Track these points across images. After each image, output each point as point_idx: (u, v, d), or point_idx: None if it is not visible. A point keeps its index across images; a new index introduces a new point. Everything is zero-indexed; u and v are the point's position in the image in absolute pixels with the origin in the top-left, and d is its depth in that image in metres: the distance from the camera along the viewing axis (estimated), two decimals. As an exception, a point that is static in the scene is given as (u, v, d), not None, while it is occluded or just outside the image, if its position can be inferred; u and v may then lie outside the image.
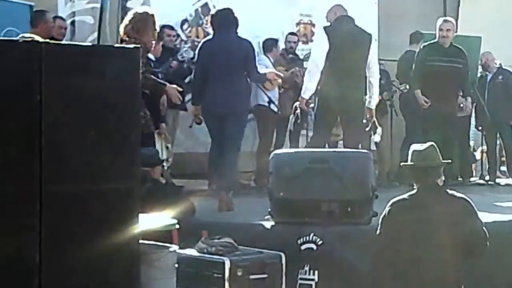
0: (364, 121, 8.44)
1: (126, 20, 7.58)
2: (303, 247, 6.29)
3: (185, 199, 7.13)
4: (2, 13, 8.74)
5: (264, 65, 9.59)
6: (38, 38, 7.00)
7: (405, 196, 5.42)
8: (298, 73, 10.26)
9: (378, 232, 5.42)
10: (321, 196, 6.52)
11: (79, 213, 4.78)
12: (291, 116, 8.99)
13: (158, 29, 7.72)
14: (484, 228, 5.32)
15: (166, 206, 6.15)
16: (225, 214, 7.66)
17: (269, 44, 10.38)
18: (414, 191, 5.41)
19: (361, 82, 8.30)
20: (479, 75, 11.65)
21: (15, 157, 4.58)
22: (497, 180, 11.49)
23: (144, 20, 7.51)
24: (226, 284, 5.83)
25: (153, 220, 5.57)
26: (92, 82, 4.87)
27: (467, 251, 5.28)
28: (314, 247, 6.24)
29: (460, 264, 5.28)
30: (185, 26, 10.44)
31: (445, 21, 9.75)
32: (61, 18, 9.37)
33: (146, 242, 5.37)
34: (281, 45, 10.73)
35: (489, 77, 11.47)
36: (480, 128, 11.69)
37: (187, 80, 9.24)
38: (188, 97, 9.00)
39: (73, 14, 9.60)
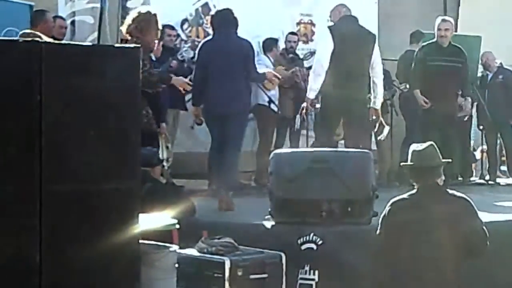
0: (371, 121, 8.44)
1: (129, 20, 7.60)
2: (303, 247, 6.28)
3: (185, 199, 7.13)
4: (2, 13, 8.74)
5: (264, 65, 9.59)
6: (39, 33, 7.04)
7: (405, 196, 5.42)
8: (298, 73, 10.25)
9: (378, 232, 5.42)
10: (322, 196, 6.52)
11: (79, 213, 4.78)
12: (297, 116, 8.98)
13: (160, 28, 7.75)
14: (484, 227, 5.32)
15: (166, 206, 6.15)
16: (225, 214, 7.66)
17: (269, 44, 10.38)
18: (414, 191, 5.41)
19: (364, 82, 8.29)
20: (480, 74, 11.64)
21: (15, 157, 4.58)
22: (497, 180, 11.49)
23: (147, 20, 7.54)
24: (226, 284, 5.83)
25: (153, 220, 5.57)
26: (92, 82, 4.87)
27: (467, 251, 5.28)
28: (314, 247, 6.23)
29: (460, 263, 5.28)
30: (185, 26, 10.44)
31: (443, 20, 9.74)
32: (61, 17, 9.37)
33: (146, 242, 5.37)
34: (281, 44, 10.73)
35: (489, 77, 11.47)
36: (481, 127, 11.69)
37: (187, 80, 9.22)
38: (188, 96, 9.00)
39: (73, 14, 9.61)
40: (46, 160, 4.68)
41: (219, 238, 6.14)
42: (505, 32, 13.38)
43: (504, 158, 11.95)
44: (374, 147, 10.04)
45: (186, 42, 10.37)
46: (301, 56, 11.02)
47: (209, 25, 8.76)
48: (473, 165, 12.37)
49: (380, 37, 10.85)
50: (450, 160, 5.85)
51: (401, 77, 10.70)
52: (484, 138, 11.73)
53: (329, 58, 8.13)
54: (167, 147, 8.49)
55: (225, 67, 8.12)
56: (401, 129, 10.84)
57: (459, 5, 12.84)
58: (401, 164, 5.65)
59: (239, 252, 6.07)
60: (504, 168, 12.05)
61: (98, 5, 9.24)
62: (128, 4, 9.77)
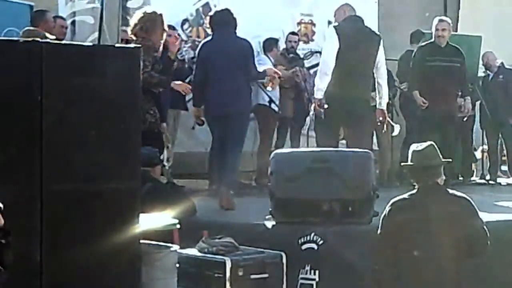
0: (377, 122, 8.44)
1: (135, 20, 7.63)
2: (304, 246, 6.28)
3: (186, 199, 7.13)
4: (3, 13, 8.74)
5: (265, 65, 9.58)
6: (42, 31, 7.05)
7: (405, 195, 5.42)
8: (298, 73, 10.25)
9: (378, 232, 5.42)
10: (322, 196, 6.52)
11: (80, 213, 4.79)
12: (308, 118, 8.97)
13: (166, 29, 7.77)
14: (484, 227, 5.31)
15: (167, 206, 6.16)
16: (225, 214, 7.66)
17: (270, 44, 10.38)
18: (415, 190, 5.40)
19: (368, 82, 8.27)
20: (482, 74, 11.64)
21: (15, 157, 4.59)
22: (498, 180, 11.48)
23: (152, 20, 7.57)
24: (227, 284, 5.83)
25: (154, 220, 5.57)
26: (93, 82, 4.88)
27: (467, 251, 5.27)
28: (315, 246, 6.23)
29: (461, 263, 5.28)
30: (185, 26, 10.44)
31: (440, 20, 9.73)
32: (61, 17, 9.37)
33: (147, 242, 5.38)
34: (282, 44, 10.72)
35: (490, 77, 11.46)
36: (482, 127, 11.69)
37: (187, 80, 9.22)
38: (189, 97, 9.00)
39: (74, 14, 9.60)
40: (47, 160, 4.69)
41: (219, 238, 6.14)
42: (505, 32, 13.37)
43: (504, 158, 11.94)
44: (374, 147, 10.03)
45: (186, 42, 10.36)
46: (302, 56, 11.01)
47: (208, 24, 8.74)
48: (474, 165, 12.36)
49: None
50: (450, 159, 5.85)
51: (402, 77, 10.69)
52: (485, 138, 11.72)
53: (335, 57, 8.09)
54: (167, 147, 8.50)
55: (225, 67, 8.12)
56: (401, 129, 10.82)
57: (459, 5, 12.84)
58: (401, 164, 5.64)
59: (240, 252, 6.07)
60: (504, 168, 12.05)
61: (99, 5, 9.25)
62: (128, 4, 9.77)
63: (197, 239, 6.20)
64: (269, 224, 6.65)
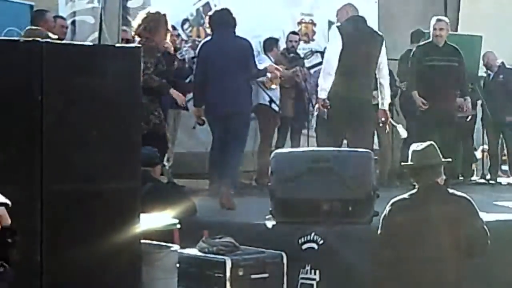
0: (379, 123, 8.43)
1: (139, 20, 7.64)
2: (304, 246, 6.28)
3: (186, 198, 7.13)
4: (3, 13, 8.74)
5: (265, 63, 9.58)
6: (45, 31, 7.05)
7: (405, 195, 5.42)
8: (299, 73, 10.25)
9: (379, 232, 5.42)
10: (322, 196, 6.52)
11: (80, 213, 4.78)
12: (313, 119, 8.97)
13: (170, 29, 7.79)
14: (485, 227, 5.31)
15: (167, 206, 6.16)
16: (226, 214, 7.66)
17: (270, 44, 10.38)
18: (415, 190, 5.41)
19: (370, 82, 8.26)
20: (483, 74, 11.64)
21: (15, 157, 4.59)
22: (499, 179, 11.48)
23: (156, 20, 7.59)
24: (227, 283, 5.82)
25: (154, 220, 5.57)
26: (93, 81, 4.88)
27: (468, 250, 5.28)
28: (315, 246, 6.23)
29: (461, 263, 5.28)
30: (185, 26, 10.44)
31: (438, 20, 9.72)
32: (62, 17, 9.37)
33: (147, 242, 5.38)
34: (282, 44, 10.72)
35: (491, 77, 11.47)
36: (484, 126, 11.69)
37: (187, 80, 9.23)
38: (189, 97, 9.00)
39: (74, 14, 9.60)
40: (47, 160, 4.69)
41: (220, 238, 6.13)
42: (505, 31, 13.37)
43: (505, 158, 11.94)
44: (375, 146, 10.03)
45: (186, 42, 10.36)
46: (302, 56, 11.01)
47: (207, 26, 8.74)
48: (474, 164, 12.37)
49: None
50: (450, 159, 5.84)
51: (402, 76, 10.69)
52: (486, 138, 11.72)
53: (338, 57, 8.08)
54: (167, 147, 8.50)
55: (225, 67, 8.13)
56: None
57: (459, 5, 12.84)
58: (402, 163, 5.64)
59: (240, 252, 6.06)
60: (505, 167, 12.05)
61: (99, 5, 9.24)
62: (129, 4, 9.77)
63: (197, 239, 6.20)
64: (270, 224, 6.65)
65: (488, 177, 11.52)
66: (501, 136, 11.51)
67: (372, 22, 10.56)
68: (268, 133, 10.11)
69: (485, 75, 11.64)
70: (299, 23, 11.46)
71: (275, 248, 6.19)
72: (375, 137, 9.66)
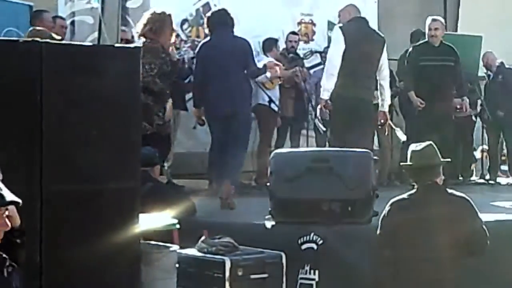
0: (379, 124, 8.43)
1: (144, 21, 7.65)
2: (303, 246, 6.28)
3: (186, 199, 7.14)
4: (2, 13, 8.75)
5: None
6: (48, 31, 7.06)
7: (404, 195, 5.42)
8: (298, 73, 10.24)
9: (378, 232, 5.42)
10: (322, 196, 6.52)
11: (80, 213, 4.79)
12: (316, 121, 8.96)
13: (175, 28, 7.81)
14: (484, 226, 5.32)
15: (166, 206, 6.16)
16: (225, 214, 7.66)
17: (269, 44, 10.37)
18: (414, 190, 5.41)
19: (371, 84, 8.26)
20: (483, 74, 11.65)
21: (15, 157, 4.59)
22: (498, 179, 11.48)
23: (161, 21, 7.60)
24: (227, 284, 5.82)
25: (153, 220, 5.57)
26: (93, 82, 4.88)
27: (467, 250, 5.28)
28: (315, 246, 6.23)
29: (460, 263, 5.28)
30: (185, 26, 10.44)
31: (433, 20, 9.72)
32: (61, 18, 9.37)
33: (146, 242, 5.38)
34: (282, 44, 10.72)
35: (491, 77, 11.47)
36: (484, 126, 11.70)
37: (187, 80, 9.23)
38: (188, 97, 9.00)
39: (73, 14, 9.59)
40: (47, 160, 4.69)
41: (219, 238, 6.13)
42: (505, 31, 13.36)
43: (504, 158, 11.94)
44: (375, 146, 10.03)
45: (186, 42, 10.36)
46: (302, 56, 11.01)
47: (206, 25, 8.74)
48: (473, 165, 12.37)
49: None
50: (449, 159, 5.85)
51: (401, 76, 10.69)
52: (486, 138, 11.72)
53: (341, 58, 8.07)
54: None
55: (225, 67, 8.13)
56: (401, 128, 10.81)
57: (459, 5, 12.83)
58: (401, 163, 5.64)
59: (239, 252, 6.06)
60: (504, 167, 12.05)
61: (98, 5, 9.24)
62: (128, 4, 9.77)
63: (196, 239, 6.20)
64: (269, 224, 6.65)
65: (487, 177, 11.52)
66: (502, 136, 11.51)
67: (372, 22, 10.56)
68: (267, 133, 10.11)
69: (485, 75, 11.64)
70: (299, 23, 11.46)
71: (275, 248, 6.19)
72: (375, 137, 9.66)
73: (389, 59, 9.18)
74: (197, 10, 10.54)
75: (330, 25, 11.26)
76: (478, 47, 11.47)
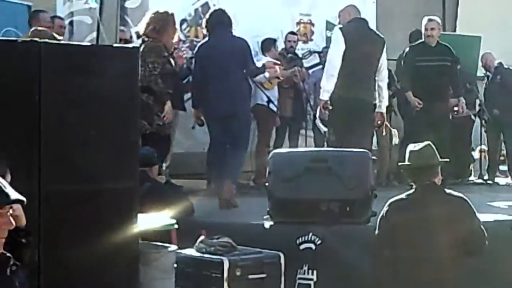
0: (376, 125, 8.43)
1: (147, 20, 7.66)
2: (302, 247, 6.29)
3: (184, 199, 7.14)
4: (1, 13, 8.76)
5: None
6: (48, 31, 7.06)
7: (403, 196, 5.42)
8: (297, 73, 10.24)
9: (376, 232, 5.42)
10: (320, 196, 6.52)
11: (78, 213, 4.79)
12: (316, 122, 8.97)
13: (178, 27, 7.82)
14: (482, 227, 5.32)
15: (165, 206, 6.16)
16: (224, 214, 7.66)
17: (268, 44, 10.37)
18: (412, 190, 5.41)
19: (371, 85, 8.25)
20: (482, 74, 11.65)
21: (14, 157, 4.58)
22: (496, 180, 11.49)
23: (165, 20, 7.62)
24: (225, 284, 5.83)
25: (152, 220, 5.57)
26: (91, 81, 4.88)
27: (465, 250, 5.28)
28: (313, 246, 6.24)
29: (458, 263, 5.28)
30: (183, 26, 10.43)
31: (429, 20, 9.71)
32: (60, 18, 9.37)
33: (145, 242, 5.38)
34: (281, 44, 10.72)
35: (490, 77, 11.48)
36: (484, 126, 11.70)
37: (185, 80, 9.22)
38: (186, 97, 9.00)
39: (71, 14, 9.60)
40: (45, 160, 4.69)
41: (217, 238, 6.14)
42: (503, 31, 13.37)
43: (502, 158, 11.94)
44: (373, 146, 10.02)
45: (184, 42, 10.36)
46: (300, 56, 11.01)
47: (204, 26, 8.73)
48: (471, 165, 12.37)
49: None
50: (447, 159, 5.85)
51: (399, 76, 10.69)
52: (486, 138, 11.72)
53: (341, 59, 8.07)
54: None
55: (225, 67, 8.12)
56: (399, 128, 10.82)
57: (457, 5, 12.83)
58: (399, 164, 5.64)
59: (238, 252, 6.07)
60: (502, 168, 12.05)
61: (96, 5, 9.24)
62: (126, 4, 9.77)
63: (195, 239, 6.20)
64: (267, 224, 6.65)
65: (486, 177, 11.52)
66: (502, 136, 11.51)
67: (370, 22, 10.57)
68: (266, 133, 10.11)
69: (484, 75, 11.65)
70: (298, 23, 11.46)
71: (273, 248, 6.19)
72: (374, 137, 9.67)
73: (387, 59, 9.19)
74: (196, 10, 10.54)
75: (329, 25, 11.27)
76: (477, 47, 11.48)
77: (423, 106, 9.36)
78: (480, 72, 11.71)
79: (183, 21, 10.42)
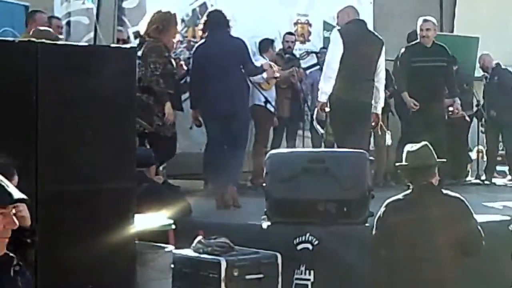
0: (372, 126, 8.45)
1: (149, 20, 7.65)
2: (299, 247, 6.29)
3: (181, 199, 7.14)
4: (-2, 14, 8.77)
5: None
6: (52, 32, 7.07)
7: (400, 196, 5.43)
8: (294, 74, 10.25)
9: (373, 232, 5.42)
10: (317, 196, 6.52)
11: (75, 213, 4.79)
12: (314, 122, 8.97)
13: (179, 28, 7.84)
14: (479, 227, 5.32)
15: (162, 206, 6.16)
16: (221, 215, 7.66)
17: (265, 45, 10.36)
18: (409, 191, 5.41)
19: (370, 86, 8.25)
20: (479, 75, 11.66)
21: (11, 157, 4.57)
22: (493, 180, 11.50)
23: (168, 20, 7.65)
24: (222, 284, 5.82)
25: (149, 220, 5.57)
26: (88, 82, 4.88)
27: (462, 251, 5.28)
28: (310, 247, 6.24)
29: (456, 263, 5.28)
30: (181, 26, 10.43)
31: (424, 20, 9.71)
32: (58, 18, 9.37)
33: (142, 242, 5.38)
34: (278, 45, 10.72)
35: (487, 78, 11.49)
36: (482, 125, 11.72)
37: (183, 80, 9.22)
38: (184, 97, 9.00)
39: (69, 14, 9.60)
40: (42, 160, 4.69)
41: (215, 238, 6.13)
42: (501, 31, 13.39)
43: (499, 158, 11.95)
44: (370, 147, 10.03)
45: (182, 42, 10.35)
46: (298, 56, 11.01)
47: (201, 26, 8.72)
48: (469, 165, 12.38)
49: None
50: (444, 160, 5.85)
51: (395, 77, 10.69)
52: (485, 139, 11.73)
53: (339, 61, 8.06)
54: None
55: (224, 67, 8.12)
56: (397, 128, 10.83)
57: (455, 5, 12.84)
58: (396, 164, 5.65)
59: (235, 252, 6.07)
60: (499, 168, 12.06)
61: (93, 5, 9.24)
62: (124, 5, 9.76)
63: (192, 239, 6.20)
64: (265, 224, 6.65)
65: (483, 177, 11.53)
66: (500, 137, 11.52)
67: (367, 22, 10.58)
68: (263, 134, 10.11)
69: (480, 76, 11.66)
70: (295, 23, 11.45)
71: (270, 248, 6.19)
72: (371, 137, 9.67)
73: (385, 60, 9.20)
74: (194, 10, 10.53)
75: (326, 26, 11.26)
76: (475, 48, 11.50)
77: (419, 107, 9.36)
78: (478, 72, 11.72)
79: (180, 21, 10.41)
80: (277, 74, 9.04)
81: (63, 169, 4.78)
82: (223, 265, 5.85)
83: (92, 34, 9.07)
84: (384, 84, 8.55)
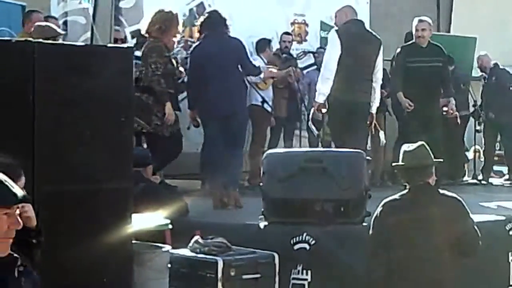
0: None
1: (150, 19, 7.65)
2: (296, 247, 6.29)
3: (178, 199, 7.14)
4: (-5, 14, 8.76)
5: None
6: (53, 26, 7.06)
7: (396, 196, 5.43)
8: (292, 73, 10.25)
9: (370, 232, 5.43)
10: (314, 196, 6.52)
11: (72, 213, 4.79)
12: (309, 124, 9.00)
13: (180, 29, 7.85)
14: (475, 227, 5.33)
15: (159, 206, 6.16)
16: (218, 214, 7.66)
17: (262, 45, 10.37)
18: (406, 191, 5.41)
19: (368, 86, 8.26)
20: (477, 75, 11.67)
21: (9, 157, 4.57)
22: (490, 180, 11.51)
23: (170, 20, 7.66)
24: (219, 284, 5.82)
25: (146, 220, 5.57)
26: (85, 82, 4.88)
27: (459, 251, 5.29)
28: (307, 247, 6.24)
29: (453, 263, 5.29)
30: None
31: (420, 21, 9.71)
32: (54, 18, 9.36)
33: (139, 242, 5.38)
34: (275, 45, 10.73)
35: (485, 78, 11.50)
36: (479, 127, 11.73)
37: (180, 80, 9.22)
38: (181, 97, 9.00)
39: (66, 14, 9.59)
40: (39, 160, 4.69)
41: (212, 238, 6.13)
42: (498, 31, 13.39)
43: (496, 158, 11.96)
44: (367, 146, 10.03)
45: (179, 42, 10.35)
46: (295, 56, 11.02)
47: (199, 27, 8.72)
48: (465, 165, 12.39)
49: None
50: (441, 160, 5.86)
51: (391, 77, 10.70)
52: (482, 138, 11.74)
53: (337, 61, 8.06)
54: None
55: (223, 67, 8.11)
56: (394, 128, 10.84)
57: (452, 5, 12.85)
58: (393, 164, 5.65)
59: (232, 252, 6.07)
60: (496, 168, 12.07)
61: (89, 5, 9.24)
62: (121, 4, 9.76)
63: (189, 239, 6.20)
64: (262, 224, 6.65)
65: (480, 177, 11.54)
66: (499, 137, 11.53)
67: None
68: (261, 134, 10.12)
69: (479, 76, 11.67)
70: (292, 23, 11.46)
71: (267, 248, 6.19)
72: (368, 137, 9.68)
73: (383, 60, 9.21)
74: (191, 10, 10.54)
75: (323, 26, 11.28)
76: (473, 48, 11.51)
77: (415, 107, 9.36)
78: (476, 73, 11.73)
79: (179, 21, 10.42)
80: (275, 73, 9.06)
81: (60, 169, 4.77)
82: (220, 265, 5.84)
83: (89, 34, 9.06)
84: (380, 84, 8.55)
